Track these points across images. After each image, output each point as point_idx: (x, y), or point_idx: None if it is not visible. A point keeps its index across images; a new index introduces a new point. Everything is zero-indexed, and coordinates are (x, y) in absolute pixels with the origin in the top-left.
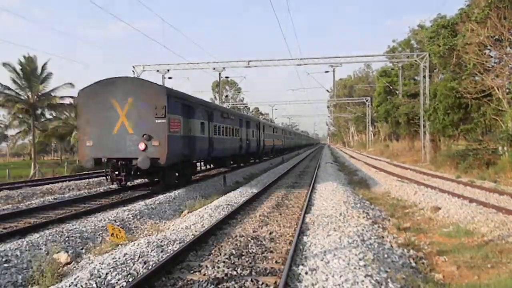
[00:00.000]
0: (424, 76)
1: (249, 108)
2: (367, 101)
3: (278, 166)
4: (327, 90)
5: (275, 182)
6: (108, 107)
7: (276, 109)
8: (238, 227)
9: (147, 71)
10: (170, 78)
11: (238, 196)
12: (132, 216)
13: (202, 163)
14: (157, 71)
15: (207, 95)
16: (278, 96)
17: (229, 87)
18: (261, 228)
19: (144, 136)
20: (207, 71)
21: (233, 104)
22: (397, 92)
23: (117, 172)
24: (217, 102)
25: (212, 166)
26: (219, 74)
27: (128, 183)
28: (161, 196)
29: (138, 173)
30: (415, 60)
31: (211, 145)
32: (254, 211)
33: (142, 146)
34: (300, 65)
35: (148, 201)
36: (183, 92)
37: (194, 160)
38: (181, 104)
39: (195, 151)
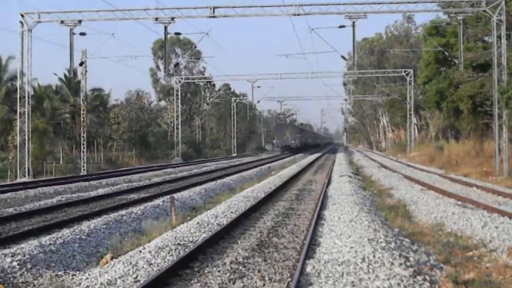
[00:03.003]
0: (499, 36)
1: (214, 85)
2: (408, 75)
3: (263, 181)
4: (343, 58)
5: (259, 207)
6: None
7: (258, 86)
8: (194, 284)
9: (45, 22)
10: (83, 34)
11: (194, 232)
12: (18, 265)
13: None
14: (62, 22)
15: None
16: (262, 66)
17: (182, 51)
18: None
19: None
20: (145, 23)
21: (188, 80)
22: (455, 61)
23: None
24: (160, 74)
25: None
26: (165, 28)
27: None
28: (66, 231)
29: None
30: (484, 10)
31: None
32: (223, 254)
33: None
34: (298, 15)
35: (45, 239)
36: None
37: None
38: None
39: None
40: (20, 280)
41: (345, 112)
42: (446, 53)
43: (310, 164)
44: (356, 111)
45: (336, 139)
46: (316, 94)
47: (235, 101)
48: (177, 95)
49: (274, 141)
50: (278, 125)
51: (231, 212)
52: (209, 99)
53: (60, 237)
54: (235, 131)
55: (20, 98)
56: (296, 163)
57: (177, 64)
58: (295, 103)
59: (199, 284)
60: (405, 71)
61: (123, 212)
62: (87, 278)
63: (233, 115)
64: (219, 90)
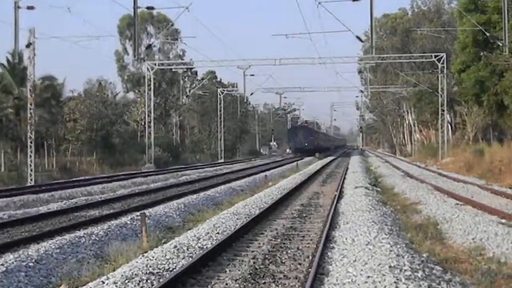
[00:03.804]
0: None
1: (196, 73)
2: (439, 60)
3: (258, 194)
4: (358, 39)
5: (252, 226)
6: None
7: (251, 74)
8: None
9: None
10: (30, 8)
11: (170, 257)
12: None
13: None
14: None
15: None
16: (257, 49)
17: (155, 30)
18: None
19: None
20: None
21: (163, 67)
22: (499, 43)
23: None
24: (127, 58)
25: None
26: (134, 1)
27: None
28: (9, 257)
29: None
30: None
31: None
32: (207, 287)
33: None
34: None
35: None
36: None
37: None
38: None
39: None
40: None
41: (360, 107)
42: (487, 34)
43: (318, 172)
44: (374, 105)
45: (349, 141)
46: (325, 85)
47: (222, 92)
48: (149, 85)
49: (288, 144)
50: (290, 128)
51: (217, 233)
52: (190, 90)
53: (1, 265)
54: (222, 131)
55: None
56: (299, 172)
57: (149, 46)
58: (298, 95)
59: None
60: (435, 56)
61: (81, 233)
62: None
63: (220, 111)
64: (202, 79)
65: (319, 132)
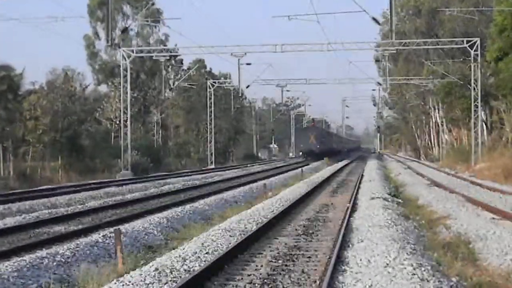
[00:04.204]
0: None
1: (181, 62)
2: (472, 47)
3: (255, 206)
4: (375, 21)
5: (248, 245)
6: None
7: (248, 63)
8: None
9: None
10: None
11: (151, 282)
12: None
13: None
14: None
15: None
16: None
17: (133, 10)
18: None
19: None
20: None
21: (142, 54)
22: None
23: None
24: (99, 44)
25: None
26: None
27: None
28: None
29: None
30: None
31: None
32: None
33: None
34: None
35: None
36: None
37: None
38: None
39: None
40: None
41: (378, 103)
42: None
43: (327, 181)
44: (394, 101)
45: (364, 143)
46: (335, 76)
47: (212, 85)
48: (125, 76)
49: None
50: (299, 129)
51: (207, 253)
52: (174, 82)
53: None
54: (212, 131)
55: None
56: (305, 180)
57: (125, 30)
58: (303, 88)
59: None
60: (467, 42)
61: (44, 252)
62: None
63: (210, 107)
64: (188, 69)
65: (331, 134)
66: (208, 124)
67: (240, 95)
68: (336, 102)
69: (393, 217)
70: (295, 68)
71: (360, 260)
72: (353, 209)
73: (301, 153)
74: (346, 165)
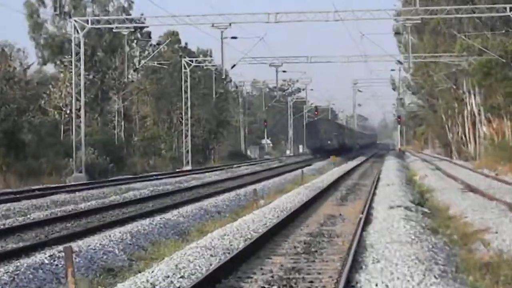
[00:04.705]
0: None
1: (149, 35)
2: None
3: (243, 217)
4: None
5: (235, 267)
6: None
7: (233, 37)
8: None
9: None
10: None
11: None
12: None
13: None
14: None
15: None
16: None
17: None
18: None
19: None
20: None
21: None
22: None
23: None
24: (45, 13)
25: None
26: None
27: None
28: None
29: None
30: None
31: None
32: None
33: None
34: None
35: None
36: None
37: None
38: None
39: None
40: None
41: (398, 87)
42: None
43: (334, 185)
44: (420, 84)
45: (381, 137)
46: (344, 53)
47: (188, 64)
48: (77, 53)
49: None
50: (309, 123)
51: (181, 277)
52: (140, 61)
53: None
54: (189, 123)
55: None
56: (306, 184)
57: (64, 12)
58: (303, 68)
59: None
60: (511, 9)
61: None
62: None
63: (186, 92)
64: (158, 44)
65: (344, 127)
66: (184, 114)
67: (223, 77)
68: (346, 86)
69: (418, 231)
70: (293, 43)
71: (376, 285)
72: (367, 221)
73: (308, 149)
74: (358, 165)
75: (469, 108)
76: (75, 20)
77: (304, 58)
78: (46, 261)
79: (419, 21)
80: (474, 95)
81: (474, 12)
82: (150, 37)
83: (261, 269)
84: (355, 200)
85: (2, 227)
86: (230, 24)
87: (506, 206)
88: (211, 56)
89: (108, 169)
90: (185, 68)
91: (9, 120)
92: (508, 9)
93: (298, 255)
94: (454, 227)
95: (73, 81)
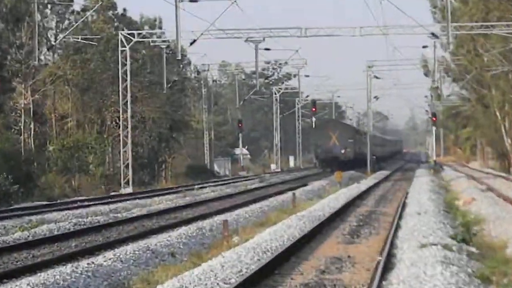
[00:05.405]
0: None
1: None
2: None
3: (208, 262)
4: None
5: None
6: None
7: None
8: None
9: None
10: None
11: None
12: None
13: None
14: None
15: None
16: None
17: None
18: None
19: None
20: None
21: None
22: None
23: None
24: None
25: None
26: None
27: None
28: None
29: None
30: None
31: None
32: None
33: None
34: None
35: None
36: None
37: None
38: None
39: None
40: None
41: (433, 71)
42: None
43: (339, 214)
44: (464, 67)
45: (408, 143)
46: (353, 23)
47: (128, 40)
48: None
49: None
50: (317, 126)
51: None
52: (57, 35)
53: None
54: (129, 125)
55: None
56: (298, 213)
57: None
58: (294, 44)
59: None
60: None
61: None
62: None
63: (125, 80)
64: (83, 10)
65: (361, 132)
66: (122, 112)
67: (179, 58)
68: (357, 70)
69: (462, 280)
70: (280, 10)
71: None
72: (388, 266)
73: (317, 160)
74: (375, 184)
75: None
76: None
77: (296, 30)
78: None
79: None
80: None
81: None
82: (72, 1)
83: None
84: (370, 236)
85: None
86: None
87: None
88: (161, 28)
89: (11, 193)
90: (123, 45)
91: None
92: None
93: None
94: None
95: None
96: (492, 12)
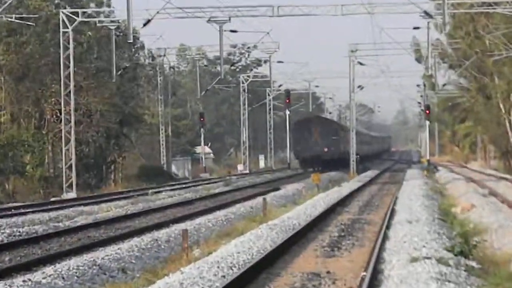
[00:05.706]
0: None
1: None
2: None
3: (165, 280)
4: None
5: None
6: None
7: None
8: None
9: None
10: None
11: None
12: None
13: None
14: None
15: None
16: None
17: None
18: None
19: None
20: None
21: None
22: None
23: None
24: None
25: None
26: None
27: None
28: None
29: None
30: None
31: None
32: None
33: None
34: None
35: None
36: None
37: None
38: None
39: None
40: None
41: (427, 56)
42: None
43: (317, 223)
44: (462, 51)
45: (399, 140)
46: (330, 2)
47: (71, 20)
48: None
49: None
50: (297, 122)
51: None
52: None
53: None
54: (73, 119)
55: None
56: (270, 222)
57: None
58: (266, 26)
59: None
60: None
61: None
62: None
63: (66, 65)
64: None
65: (346, 129)
66: (63, 104)
67: (131, 41)
68: (337, 55)
69: None
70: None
71: None
72: (374, 283)
73: (297, 159)
74: (359, 188)
75: None
76: None
77: (267, 8)
78: None
79: None
80: None
81: None
82: None
83: None
84: (353, 248)
85: None
86: None
87: None
88: (109, 6)
89: None
90: (65, 26)
91: None
92: None
93: None
94: None
95: None
96: None
